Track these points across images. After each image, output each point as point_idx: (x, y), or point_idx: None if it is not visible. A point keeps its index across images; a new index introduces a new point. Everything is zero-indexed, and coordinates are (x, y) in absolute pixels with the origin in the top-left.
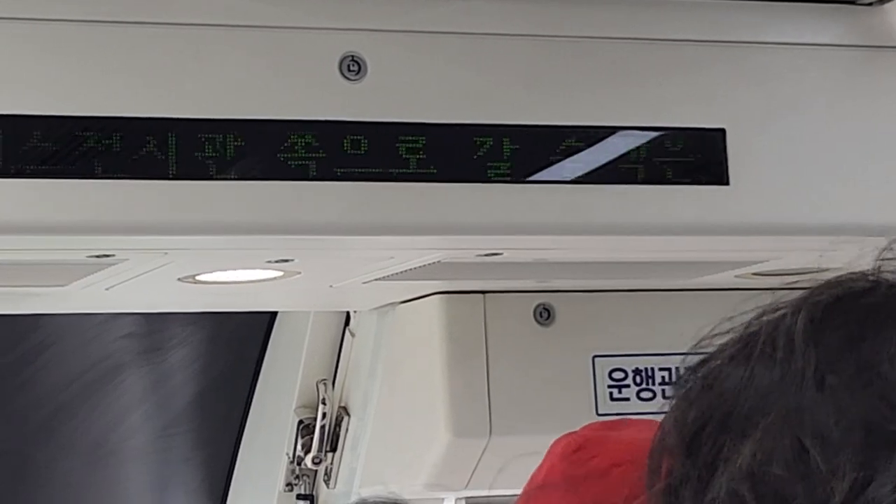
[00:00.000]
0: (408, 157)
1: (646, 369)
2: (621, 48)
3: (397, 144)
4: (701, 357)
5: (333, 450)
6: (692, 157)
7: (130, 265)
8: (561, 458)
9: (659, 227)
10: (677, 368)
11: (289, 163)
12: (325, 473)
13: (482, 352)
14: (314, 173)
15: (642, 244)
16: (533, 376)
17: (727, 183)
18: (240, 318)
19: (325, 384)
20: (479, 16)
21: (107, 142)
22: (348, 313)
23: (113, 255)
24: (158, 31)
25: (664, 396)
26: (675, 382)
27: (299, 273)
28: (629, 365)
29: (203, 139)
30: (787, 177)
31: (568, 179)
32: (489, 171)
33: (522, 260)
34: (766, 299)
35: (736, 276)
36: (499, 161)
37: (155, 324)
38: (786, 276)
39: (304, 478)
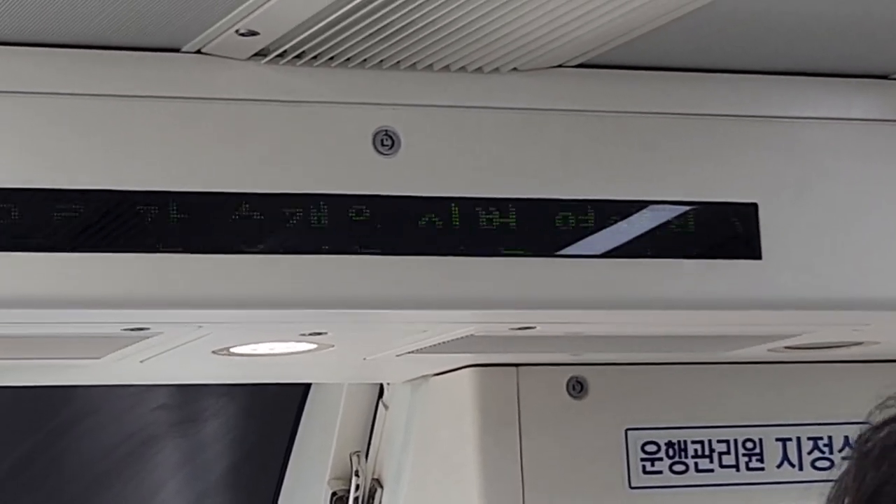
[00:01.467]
0: (441, 231)
1: (678, 442)
2: (654, 122)
3: (430, 219)
4: (883, 419)
5: None
6: (725, 231)
7: (165, 338)
8: None
9: (691, 301)
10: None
11: (323, 237)
12: None
13: (515, 425)
14: (348, 247)
15: (675, 318)
16: (566, 449)
17: (760, 257)
18: (273, 389)
19: (358, 456)
20: (513, 91)
21: (143, 215)
22: (382, 385)
23: (148, 329)
24: (197, 107)
25: (697, 469)
26: (855, 442)
27: (332, 346)
28: (662, 438)
29: (238, 213)
30: (820, 251)
31: (601, 253)
32: (523, 245)
33: (555, 333)
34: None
35: (769, 350)
36: (532, 235)
37: (189, 395)
38: (819, 350)
39: None
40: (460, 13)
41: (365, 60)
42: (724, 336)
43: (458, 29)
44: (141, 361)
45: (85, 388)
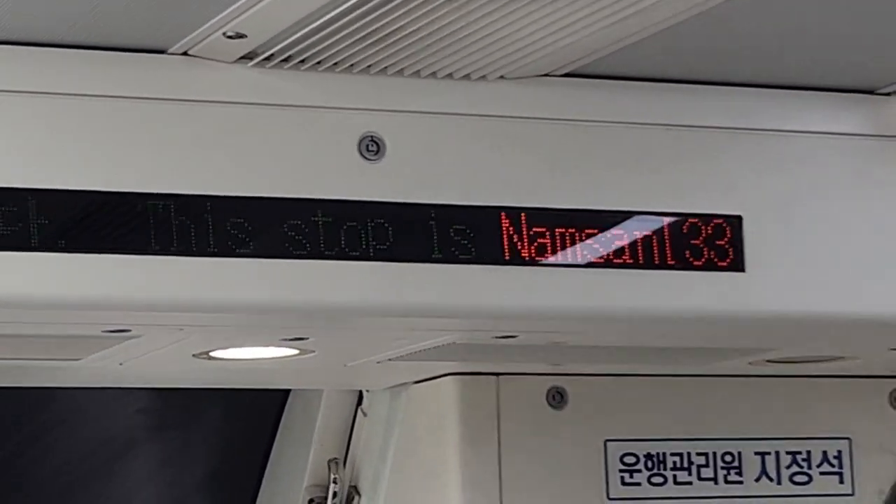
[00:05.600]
0: (423, 237)
1: (657, 454)
2: (640, 133)
3: (414, 225)
4: None
5: None
6: (708, 243)
7: (146, 340)
8: None
9: (674, 312)
10: (689, 454)
11: (305, 241)
12: None
13: (494, 434)
14: (330, 252)
15: (656, 330)
16: (545, 459)
17: (743, 270)
18: (252, 394)
19: (336, 463)
20: (499, 98)
21: (126, 218)
22: (361, 392)
23: (129, 331)
24: (182, 109)
25: (675, 482)
26: None
27: (314, 352)
28: (641, 450)
29: (220, 217)
30: (804, 264)
31: (584, 263)
32: (505, 253)
33: (537, 343)
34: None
35: (749, 363)
36: (514, 243)
37: (168, 399)
38: (799, 365)
39: None
40: (448, 20)
41: (352, 65)
42: (706, 348)
43: (445, 36)
44: (121, 364)
45: (64, 390)
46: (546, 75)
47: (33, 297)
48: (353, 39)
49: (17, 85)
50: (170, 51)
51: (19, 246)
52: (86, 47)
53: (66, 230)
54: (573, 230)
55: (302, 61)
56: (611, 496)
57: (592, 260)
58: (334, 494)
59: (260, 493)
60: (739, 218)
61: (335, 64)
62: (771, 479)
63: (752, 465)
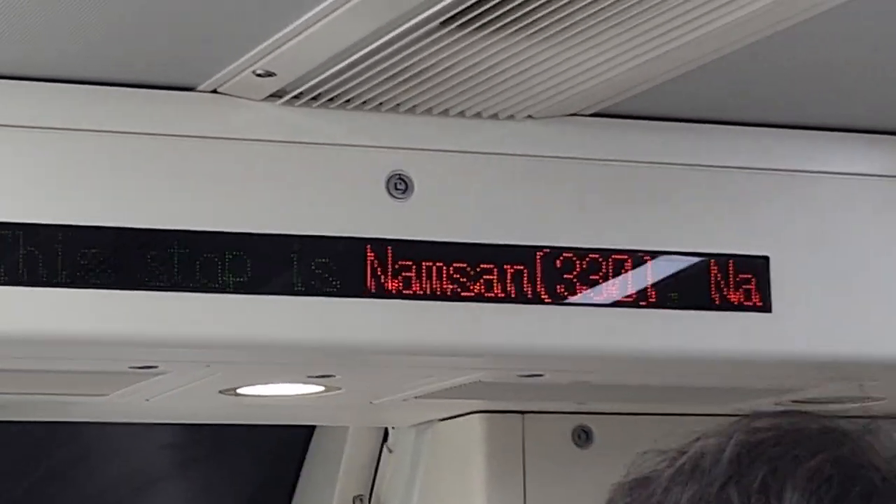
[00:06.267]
0: (451, 276)
1: None
2: (667, 173)
3: (441, 263)
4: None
5: None
6: (735, 283)
7: (172, 377)
8: None
9: (700, 352)
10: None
11: (333, 279)
12: None
13: (520, 472)
14: (357, 290)
15: (682, 369)
16: (570, 498)
17: (770, 310)
18: (278, 430)
19: (361, 500)
20: (527, 138)
21: (153, 253)
22: (386, 429)
23: (155, 367)
24: (211, 146)
25: None
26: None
27: (340, 389)
28: None
29: (249, 253)
30: (830, 305)
31: (610, 302)
32: (532, 293)
33: (562, 381)
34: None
35: (775, 404)
36: (542, 282)
37: (194, 435)
38: (825, 405)
39: None
40: (476, 60)
41: (381, 104)
42: (732, 388)
43: (473, 76)
44: (147, 399)
45: (88, 425)
46: (574, 115)
47: (60, 334)
48: (382, 78)
49: (46, 121)
50: (199, 88)
51: (47, 282)
52: (116, 84)
53: (93, 266)
54: (600, 269)
55: (331, 99)
56: None
57: (619, 299)
58: None
59: None
60: (766, 258)
61: (364, 102)
62: None
63: None
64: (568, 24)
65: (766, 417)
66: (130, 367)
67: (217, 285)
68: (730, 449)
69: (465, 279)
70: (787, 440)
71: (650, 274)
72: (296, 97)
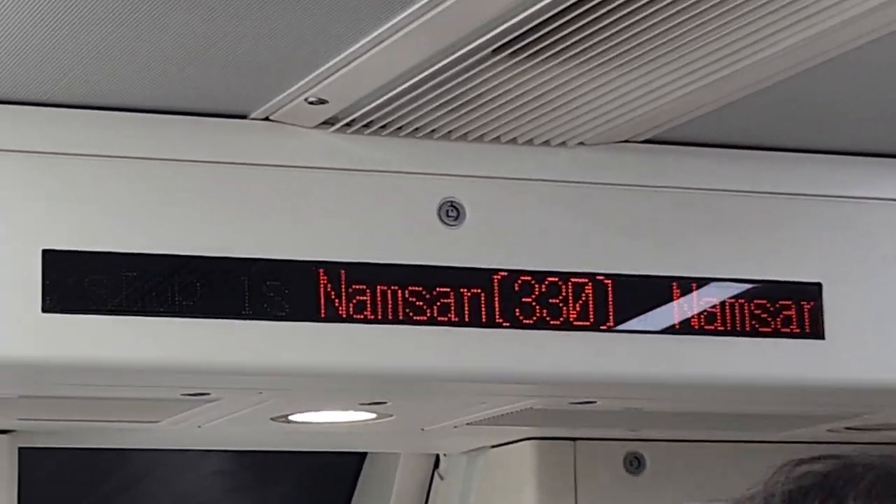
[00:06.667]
0: (503, 303)
1: None
2: (719, 199)
3: (492, 290)
4: None
5: None
6: (788, 310)
7: (225, 404)
8: None
9: (753, 379)
10: None
11: (385, 306)
12: None
13: (571, 499)
14: (410, 317)
15: (735, 396)
16: None
17: (823, 337)
18: (329, 457)
19: None
20: (579, 165)
21: (206, 281)
22: (438, 456)
23: (208, 394)
24: (264, 173)
25: None
26: None
27: (391, 416)
28: None
29: (302, 281)
30: (884, 331)
31: (662, 329)
32: (584, 320)
33: (615, 409)
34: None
35: (828, 430)
36: (594, 309)
37: (244, 461)
38: (878, 432)
39: None
40: (527, 87)
41: (433, 131)
42: (784, 415)
43: (525, 103)
44: (199, 426)
45: (140, 451)
46: (626, 141)
47: (114, 361)
48: (433, 105)
49: (101, 149)
50: (251, 116)
51: (102, 310)
52: (170, 112)
53: (148, 294)
54: (653, 296)
55: (383, 126)
56: None
57: (671, 326)
58: None
59: None
60: (819, 285)
61: (416, 129)
62: None
63: None
64: (620, 51)
65: (805, 464)
66: (183, 394)
67: (270, 313)
68: (779, 495)
69: (516, 306)
70: (834, 476)
71: (702, 300)
72: (348, 124)
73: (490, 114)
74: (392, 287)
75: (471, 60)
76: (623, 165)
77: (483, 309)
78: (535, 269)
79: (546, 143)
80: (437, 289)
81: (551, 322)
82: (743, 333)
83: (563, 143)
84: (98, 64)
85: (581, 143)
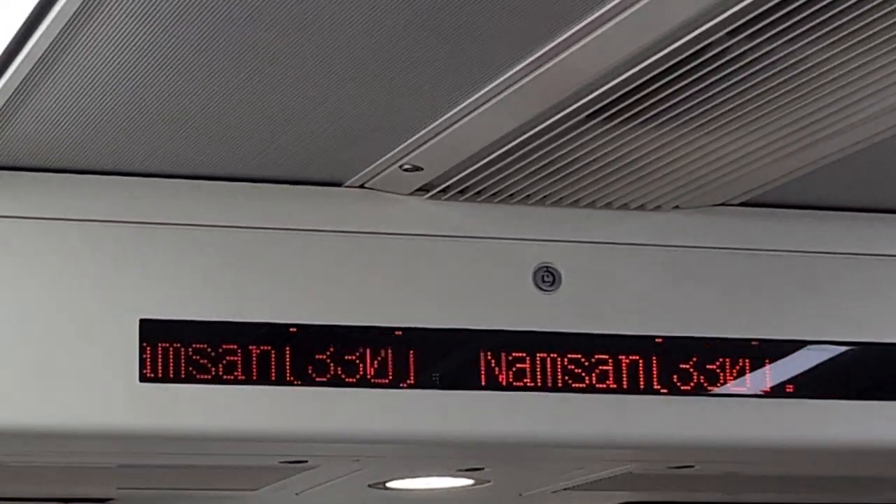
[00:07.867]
0: (599, 368)
1: None
2: (816, 262)
3: (589, 356)
4: None
5: None
6: (888, 372)
7: (322, 471)
8: None
9: (852, 442)
10: None
11: (481, 373)
12: None
13: None
14: (506, 383)
15: (833, 459)
16: None
17: None
18: None
19: None
20: (675, 228)
21: (303, 348)
22: None
23: (306, 461)
24: (360, 241)
25: None
26: None
27: (489, 482)
28: None
29: (398, 348)
30: None
31: (761, 392)
32: (683, 384)
33: (713, 472)
34: None
35: None
36: (693, 374)
37: None
38: None
39: None
40: (623, 152)
41: (527, 196)
42: (883, 478)
43: (620, 167)
44: (296, 494)
45: None
46: (722, 204)
47: (213, 430)
48: (528, 171)
49: (201, 219)
50: (346, 183)
51: (202, 379)
52: (265, 181)
53: (244, 362)
54: (749, 360)
55: (478, 193)
56: None
57: (769, 389)
58: None
59: None
60: None
61: (511, 195)
62: None
63: None
64: (714, 115)
65: None
66: (281, 462)
67: (367, 380)
68: None
69: (614, 372)
70: None
71: (801, 363)
72: (442, 191)
73: (584, 179)
74: (487, 353)
75: (565, 126)
76: (719, 229)
77: (581, 374)
78: (632, 334)
79: (641, 207)
80: (538, 354)
81: (652, 387)
82: (842, 396)
83: (659, 207)
84: (194, 135)
85: (676, 207)
